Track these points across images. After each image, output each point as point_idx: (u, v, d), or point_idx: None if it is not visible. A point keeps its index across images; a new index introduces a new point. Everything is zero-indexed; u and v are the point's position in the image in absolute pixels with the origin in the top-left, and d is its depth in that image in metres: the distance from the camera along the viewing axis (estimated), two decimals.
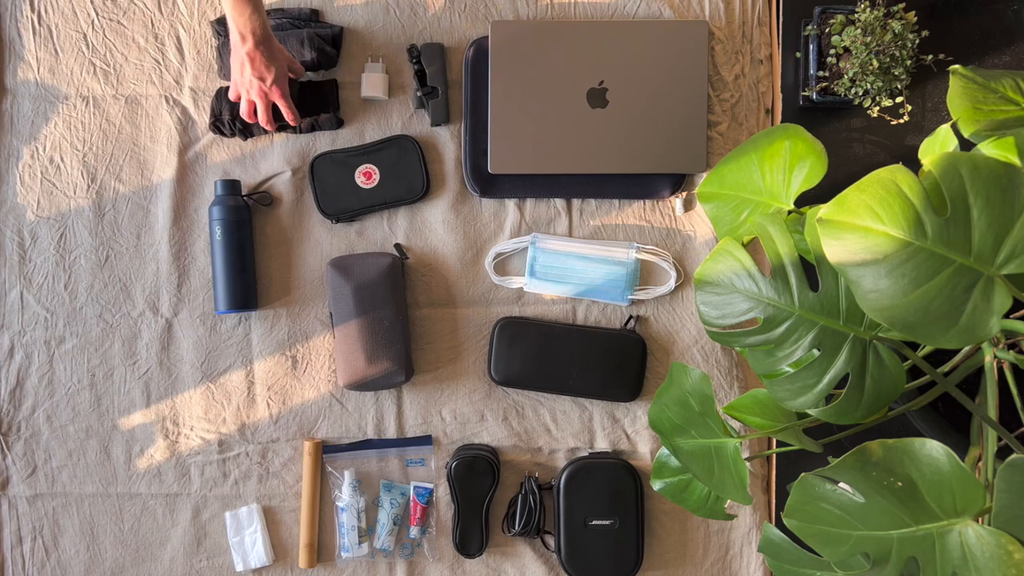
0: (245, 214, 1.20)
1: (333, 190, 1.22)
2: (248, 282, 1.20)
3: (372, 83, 1.20)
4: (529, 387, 1.21)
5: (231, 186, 1.20)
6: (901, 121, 1.19)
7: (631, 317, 1.22)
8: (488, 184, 1.21)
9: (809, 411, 0.81)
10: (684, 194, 1.23)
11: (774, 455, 1.22)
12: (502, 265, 1.24)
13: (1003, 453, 0.81)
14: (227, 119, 1.21)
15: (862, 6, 1.11)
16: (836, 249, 0.67)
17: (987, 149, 0.78)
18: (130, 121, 1.24)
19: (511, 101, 1.19)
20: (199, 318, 1.23)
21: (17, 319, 1.24)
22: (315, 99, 1.21)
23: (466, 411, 1.23)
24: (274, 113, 1.17)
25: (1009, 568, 0.66)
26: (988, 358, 0.85)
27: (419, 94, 1.20)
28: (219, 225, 1.18)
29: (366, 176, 1.22)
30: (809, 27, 1.17)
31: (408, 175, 1.22)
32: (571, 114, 1.19)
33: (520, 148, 1.20)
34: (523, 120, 1.20)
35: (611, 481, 1.19)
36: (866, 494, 0.73)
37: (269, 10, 1.22)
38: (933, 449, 0.69)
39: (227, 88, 1.21)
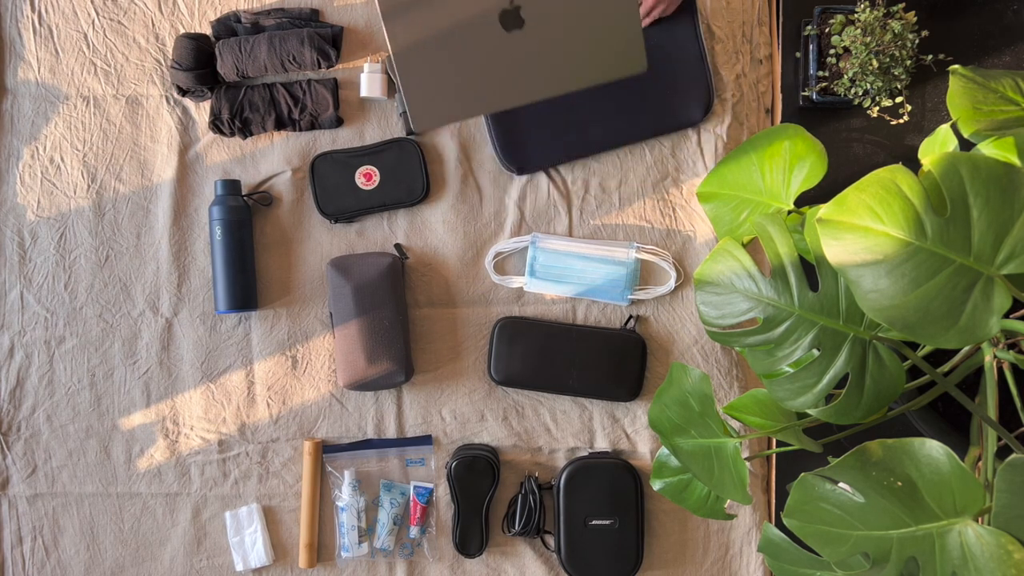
0: (245, 214, 1.20)
1: (333, 190, 1.22)
2: (248, 282, 1.20)
3: (371, 83, 1.20)
4: (529, 387, 1.21)
5: (231, 186, 1.20)
6: (901, 121, 1.19)
7: (631, 317, 1.22)
8: (523, 161, 1.21)
9: (809, 411, 0.81)
10: (715, 124, 1.22)
11: (774, 455, 1.22)
12: (502, 264, 1.24)
13: (1003, 453, 0.81)
14: (226, 118, 1.21)
15: (862, 6, 1.11)
16: (836, 249, 0.67)
17: (987, 149, 0.78)
18: (130, 121, 1.24)
19: (417, 47, 1.06)
20: (199, 318, 1.23)
21: (17, 319, 1.24)
22: (314, 98, 1.21)
23: (466, 411, 1.23)
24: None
25: (1009, 568, 0.66)
26: (988, 358, 0.85)
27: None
28: (219, 225, 1.18)
29: (366, 177, 1.22)
30: (809, 27, 1.17)
31: (408, 178, 1.22)
32: (487, 44, 1.08)
33: (441, 96, 1.09)
34: (435, 65, 1.07)
35: (611, 481, 1.19)
36: (866, 494, 0.73)
37: (269, 9, 1.22)
38: (933, 449, 0.69)
39: (227, 87, 1.21)
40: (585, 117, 1.20)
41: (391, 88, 1.23)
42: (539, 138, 1.21)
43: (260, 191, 1.23)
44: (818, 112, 1.21)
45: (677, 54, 1.20)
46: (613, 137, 1.21)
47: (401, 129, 1.23)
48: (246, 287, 1.20)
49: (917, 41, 1.11)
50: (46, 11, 1.24)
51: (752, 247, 1.07)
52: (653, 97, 1.20)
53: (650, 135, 1.22)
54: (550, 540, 1.23)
